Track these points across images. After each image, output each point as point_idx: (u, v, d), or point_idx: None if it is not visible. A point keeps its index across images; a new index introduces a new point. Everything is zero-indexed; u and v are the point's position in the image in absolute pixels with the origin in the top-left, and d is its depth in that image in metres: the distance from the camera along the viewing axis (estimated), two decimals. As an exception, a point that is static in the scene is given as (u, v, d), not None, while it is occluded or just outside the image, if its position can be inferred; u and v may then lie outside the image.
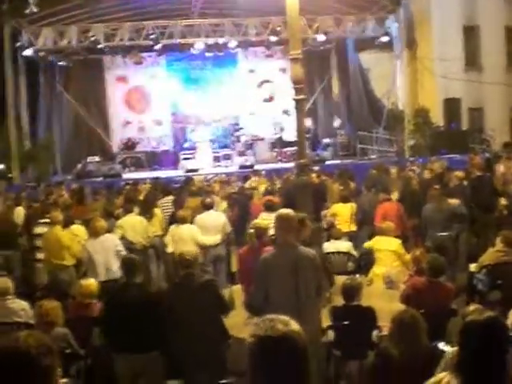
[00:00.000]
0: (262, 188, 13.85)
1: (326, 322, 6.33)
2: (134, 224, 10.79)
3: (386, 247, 9.19)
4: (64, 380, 2.20)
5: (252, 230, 7.81)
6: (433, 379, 3.25)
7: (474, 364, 2.96)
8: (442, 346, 5.33)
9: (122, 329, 6.00)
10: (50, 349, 2.15)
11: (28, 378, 2.06)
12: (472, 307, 5.43)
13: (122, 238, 10.45)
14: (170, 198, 12.51)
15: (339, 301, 6.99)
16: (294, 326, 2.24)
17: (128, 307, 6.01)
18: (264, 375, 2.19)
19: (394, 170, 16.25)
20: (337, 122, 25.54)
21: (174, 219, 10.94)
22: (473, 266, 8.91)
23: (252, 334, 2.23)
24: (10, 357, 2.07)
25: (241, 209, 11.87)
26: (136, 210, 11.29)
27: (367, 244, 9.60)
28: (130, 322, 5.96)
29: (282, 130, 24.75)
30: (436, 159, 18.89)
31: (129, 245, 10.36)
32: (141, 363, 5.93)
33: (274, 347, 2.17)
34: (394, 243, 9.30)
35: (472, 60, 28.44)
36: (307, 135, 24.01)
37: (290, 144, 22.92)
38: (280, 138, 24.82)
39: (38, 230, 10.29)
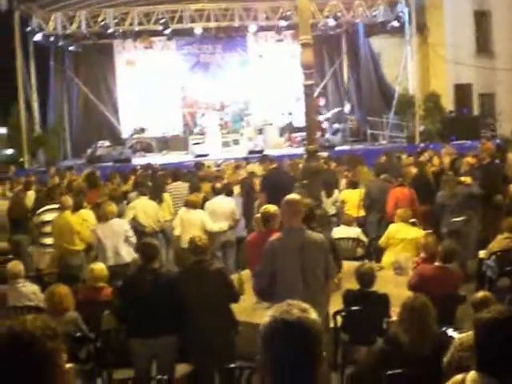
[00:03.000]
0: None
1: (334, 306, 6.35)
2: (146, 207, 10.85)
3: (405, 235, 9.11)
4: (70, 365, 2.21)
5: (258, 215, 7.81)
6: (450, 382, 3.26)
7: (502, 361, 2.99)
8: (450, 332, 5.34)
9: (139, 314, 6.02)
10: (55, 332, 2.16)
11: (32, 359, 2.08)
12: (481, 293, 5.43)
13: (134, 220, 10.53)
14: (180, 183, 12.51)
15: (348, 286, 7.00)
16: (312, 313, 2.24)
17: (145, 292, 6.02)
18: (274, 357, 2.20)
19: (404, 156, 16.21)
20: (347, 108, 25.43)
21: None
22: (482, 253, 8.91)
23: (269, 315, 2.23)
24: (15, 338, 2.09)
25: (246, 195, 11.85)
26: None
27: (385, 235, 9.49)
28: (146, 307, 5.98)
29: (291, 115, 24.64)
30: (447, 146, 18.81)
31: (139, 228, 10.44)
32: (157, 347, 5.94)
33: (286, 330, 2.17)
34: (413, 231, 9.23)
35: (483, 45, 28.27)
36: (326, 120, 24.19)
37: (299, 129, 22.83)
38: (290, 124, 24.74)
39: (47, 216, 10.30)
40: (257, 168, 15.15)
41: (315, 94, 15.67)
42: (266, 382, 2.24)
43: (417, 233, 9.16)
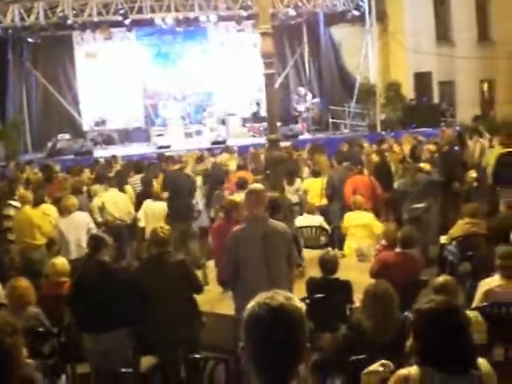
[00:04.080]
0: (233, 164, 13.84)
1: (298, 294, 6.37)
2: (116, 199, 10.76)
3: (358, 222, 9.28)
4: (30, 360, 2.19)
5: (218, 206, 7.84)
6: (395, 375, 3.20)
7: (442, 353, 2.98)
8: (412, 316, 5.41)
9: (87, 307, 6.00)
10: (14, 328, 2.14)
11: None
12: (442, 278, 5.51)
13: (101, 211, 10.46)
14: (142, 175, 12.43)
15: (312, 274, 7.05)
16: (296, 301, 2.24)
17: (91, 284, 6.00)
18: (257, 343, 2.19)
19: (366, 144, 16.35)
20: (309, 97, 25.48)
21: (145, 196, 10.91)
22: (443, 238, 9.05)
23: (253, 301, 2.23)
24: None
25: (213, 185, 11.84)
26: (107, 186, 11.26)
27: (343, 223, 9.63)
28: (93, 301, 5.94)
29: (258, 105, 24.59)
30: (408, 133, 19.04)
31: (107, 220, 10.41)
32: (108, 341, 5.90)
33: (269, 315, 2.16)
34: (366, 217, 9.40)
35: (443, 34, 28.55)
36: (306, 110, 24.23)
37: (264, 119, 22.83)
38: (256, 113, 24.71)
39: (8, 211, 10.18)
40: (226, 159, 15.14)
41: (277, 84, 15.72)
42: (250, 369, 2.22)
43: (369, 218, 9.31)
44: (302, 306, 2.26)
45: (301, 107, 24.62)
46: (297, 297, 5.59)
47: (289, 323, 2.18)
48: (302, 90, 25.24)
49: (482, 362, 3.12)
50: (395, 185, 11.45)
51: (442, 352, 2.97)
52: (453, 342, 2.98)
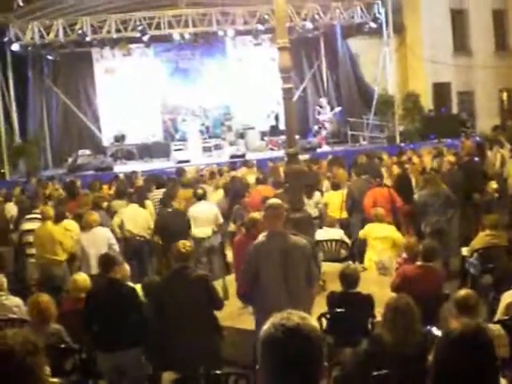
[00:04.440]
0: (252, 178, 13.83)
1: (319, 309, 6.36)
2: (135, 215, 10.78)
3: (379, 234, 9.22)
4: (55, 380, 2.19)
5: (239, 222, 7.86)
6: None
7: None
8: (434, 330, 5.37)
9: (99, 325, 6.06)
10: (36, 347, 2.15)
11: (11, 374, 2.06)
12: (463, 291, 5.47)
13: (120, 227, 10.49)
14: (163, 190, 12.47)
15: (332, 288, 7.02)
16: (311, 321, 2.23)
17: (101, 302, 6.05)
18: (273, 365, 2.17)
19: (385, 156, 16.30)
20: (324, 103, 25.43)
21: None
22: (465, 250, 8.98)
23: (268, 322, 2.22)
24: None
25: (234, 199, 11.83)
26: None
27: (361, 233, 9.62)
28: (104, 318, 6.00)
29: (277, 118, 24.61)
30: (428, 145, 18.97)
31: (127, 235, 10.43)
32: (122, 359, 5.94)
33: (285, 336, 2.14)
34: (387, 229, 9.34)
35: (461, 44, 28.50)
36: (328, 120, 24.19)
37: (283, 132, 22.84)
38: (275, 127, 24.74)
39: (28, 225, 10.28)
40: (245, 173, 15.15)
41: (295, 97, 15.70)
42: None
43: (390, 231, 9.25)
44: (317, 325, 2.24)
45: (323, 117, 24.62)
46: (317, 311, 5.54)
47: (306, 343, 2.16)
48: (324, 101, 25.26)
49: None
50: (415, 197, 11.37)
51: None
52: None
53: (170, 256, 9.40)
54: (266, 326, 2.21)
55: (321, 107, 24.96)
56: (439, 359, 2.65)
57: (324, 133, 24.56)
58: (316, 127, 25.13)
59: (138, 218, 10.73)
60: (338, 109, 25.00)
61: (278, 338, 2.15)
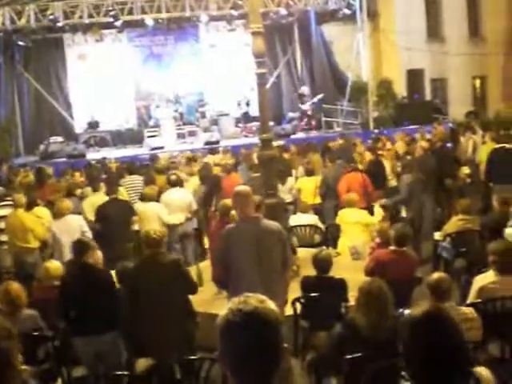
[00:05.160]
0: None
1: (293, 294, 6.37)
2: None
3: (351, 219, 9.28)
4: (25, 367, 2.16)
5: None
6: None
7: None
8: (406, 313, 5.40)
9: (75, 310, 6.03)
10: (10, 333, 2.12)
11: None
12: (436, 275, 5.50)
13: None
14: (135, 176, 12.40)
15: (306, 273, 7.04)
16: (270, 304, 2.20)
17: (77, 288, 6.01)
18: (232, 349, 2.15)
19: (359, 142, 16.35)
20: (306, 91, 25.40)
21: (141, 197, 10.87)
22: (437, 235, 9.06)
23: (226, 307, 2.20)
24: None
25: (210, 185, 11.78)
26: (104, 189, 11.20)
27: (337, 219, 9.67)
28: (80, 304, 5.97)
29: (248, 105, 24.60)
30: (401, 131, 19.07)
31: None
32: (100, 343, 5.92)
33: (243, 320, 2.13)
34: (359, 214, 9.41)
35: (434, 31, 28.63)
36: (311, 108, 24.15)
37: (255, 119, 22.82)
38: (246, 113, 24.71)
39: (0, 212, 10.17)
40: (219, 160, 15.08)
41: (269, 84, 15.68)
42: (226, 375, 2.19)
43: (361, 215, 9.33)
44: (275, 307, 2.21)
45: (306, 106, 24.60)
46: (291, 297, 5.53)
47: (264, 327, 2.14)
48: (306, 89, 25.23)
49: (480, 370, 3.06)
50: (403, 183, 11.45)
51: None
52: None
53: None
54: (223, 312, 2.19)
55: (304, 95, 24.91)
56: (404, 343, 2.65)
57: (304, 121, 24.55)
58: (295, 114, 25.08)
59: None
60: (319, 96, 24.94)
61: (235, 322, 2.14)
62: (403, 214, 11.15)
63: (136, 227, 10.19)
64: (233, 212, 6.98)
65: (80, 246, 6.30)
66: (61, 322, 6.36)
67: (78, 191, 11.57)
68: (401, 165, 11.95)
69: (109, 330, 5.97)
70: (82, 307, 5.97)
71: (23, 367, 2.18)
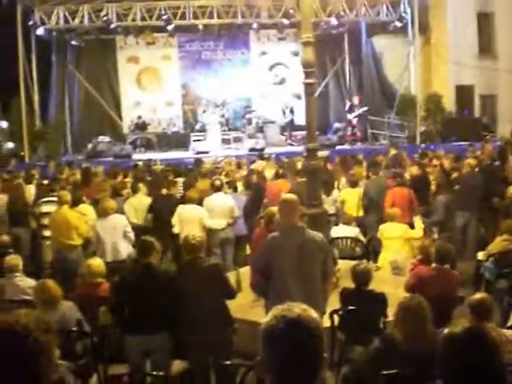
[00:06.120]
0: (270, 172, 13.77)
1: (331, 305, 6.33)
2: (138, 204, 10.80)
3: (393, 234, 9.20)
4: (62, 362, 2.20)
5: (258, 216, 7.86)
6: None
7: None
8: (447, 331, 5.32)
9: (133, 310, 6.04)
10: (48, 326, 2.16)
11: (24, 352, 2.07)
12: (478, 295, 5.42)
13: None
14: (181, 179, 12.50)
15: (346, 285, 6.99)
16: (313, 312, 2.23)
17: (139, 287, 6.02)
18: (275, 356, 2.17)
19: (404, 156, 16.20)
20: (356, 101, 25.27)
21: (182, 200, 10.92)
22: (480, 255, 8.92)
23: (270, 314, 2.23)
24: (9, 331, 2.09)
25: (255, 192, 11.78)
26: (144, 190, 11.30)
27: (378, 233, 9.61)
28: (140, 303, 5.98)
29: (292, 113, 24.61)
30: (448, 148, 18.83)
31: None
32: (151, 343, 5.93)
33: (286, 328, 2.15)
34: (401, 228, 9.32)
35: (485, 47, 28.25)
36: (356, 118, 24.08)
37: (300, 128, 22.80)
38: (291, 121, 24.71)
39: (45, 208, 10.35)
40: (263, 167, 15.08)
41: (316, 93, 15.63)
42: (267, 382, 2.21)
43: (402, 231, 9.23)
44: (318, 316, 2.24)
45: (351, 116, 24.53)
46: (329, 309, 5.49)
47: (307, 334, 2.17)
48: (356, 100, 25.14)
49: None
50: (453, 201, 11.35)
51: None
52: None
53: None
54: (267, 318, 2.22)
55: (353, 105, 24.81)
56: (443, 360, 2.62)
57: (349, 131, 24.46)
58: (341, 125, 24.98)
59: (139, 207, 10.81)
60: (364, 108, 24.82)
61: (279, 328, 2.16)
62: (435, 235, 10.99)
63: (176, 230, 10.25)
64: (276, 216, 6.97)
65: (145, 247, 6.32)
66: (105, 319, 6.43)
67: (125, 191, 11.69)
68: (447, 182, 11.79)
69: (161, 331, 5.98)
70: (139, 306, 5.99)
71: (60, 362, 2.21)
